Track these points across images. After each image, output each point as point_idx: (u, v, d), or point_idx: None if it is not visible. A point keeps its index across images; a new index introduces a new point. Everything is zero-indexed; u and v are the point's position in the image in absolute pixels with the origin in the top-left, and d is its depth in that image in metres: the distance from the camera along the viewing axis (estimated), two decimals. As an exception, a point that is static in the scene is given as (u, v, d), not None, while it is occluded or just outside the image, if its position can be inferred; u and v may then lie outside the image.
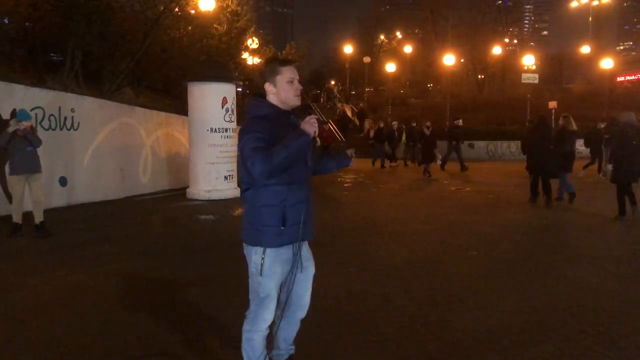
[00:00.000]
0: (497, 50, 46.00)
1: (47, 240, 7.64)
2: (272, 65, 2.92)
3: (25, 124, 7.64)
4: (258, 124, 2.79)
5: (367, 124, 32.57)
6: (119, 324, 4.34)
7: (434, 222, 9.18)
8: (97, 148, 11.74)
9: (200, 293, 5.12)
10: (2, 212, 9.34)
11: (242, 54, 23.10)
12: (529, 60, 34.99)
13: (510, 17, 59.05)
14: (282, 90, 2.87)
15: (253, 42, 24.31)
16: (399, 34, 60.10)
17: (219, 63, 13.46)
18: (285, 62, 2.93)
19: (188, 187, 12.52)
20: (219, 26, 19.09)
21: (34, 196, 7.94)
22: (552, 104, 27.36)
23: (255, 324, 2.95)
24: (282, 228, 2.84)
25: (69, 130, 10.99)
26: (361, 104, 39.93)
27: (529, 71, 32.62)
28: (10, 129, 7.56)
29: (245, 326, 2.98)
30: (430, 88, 54.46)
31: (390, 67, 40.16)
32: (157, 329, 4.20)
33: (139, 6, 13.99)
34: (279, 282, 2.96)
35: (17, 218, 7.95)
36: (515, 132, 29.84)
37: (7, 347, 3.91)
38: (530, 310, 4.60)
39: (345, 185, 15.63)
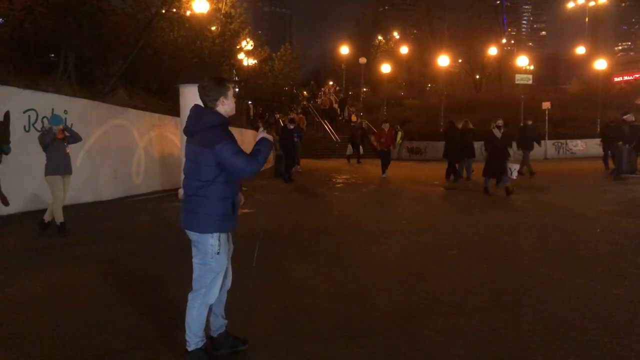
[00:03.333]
0: (493, 50, 46.12)
1: (38, 240, 7.79)
2: (224, 83, 3.57)
3: (57, 128, 7.92)
4: (227, 131, 3.51)
5: (353, 116, 35.28)
6: (104, 321, 4.50)
7: (419, 222, 9.34)
8: (90, 149, 11.88)
9: (186, 291, 5.27)
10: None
11: (237, 56, 23.21)
12: (522, 61, 35.16)
13: (507, 17, 59.22)
14: (231, 103, 3.57)
15: (247, 44, 24.46)
16: (396, 35, 60.35)
17: (210, 65, 13.60)
18: (231, 81, 3.61)
19: (180, 188, 12.66)
20: (212, 28, 19.22)
21: (63, 195, 8.20)
22: (546, 105, 27.54)
23: (207, 297, 3.56)
24: (233, 216, 3.54)
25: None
26: (342, 94, 42.87)
27: (523, 72, 32.78)
28: (55, 130, 7.84)
29: (196, 302, 3.55)
30: (429, 88, 54.63)
31: (386, 68, 40.31)
32: (142, 326, 4.37)
33: (131, 9, 14.12)
34: (229, 257, 3.69)
35: (60, 217, 8.10)
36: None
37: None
38: (500, 307, 4.77)
39: (337, 185, 15.78)
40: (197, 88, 3.59)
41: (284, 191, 14.35)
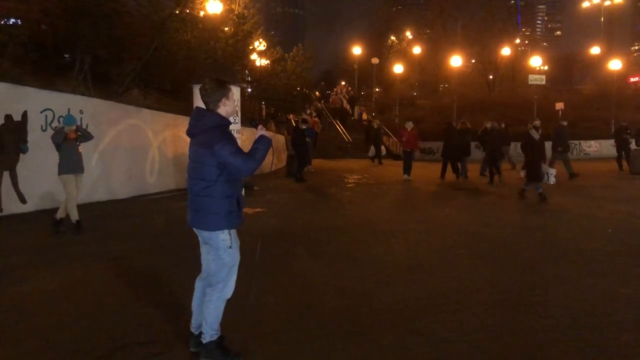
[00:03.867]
0: (506, 51, 45.88)
1: (55, 237, 7.96)
2: (225, 85, 3.68)
3: (70, 128, 8.10)
4: (226, 132, 3.55)
5: (364, 115, 36.11)
6: (118, 315, 4.63)
7: (429, 222, 9.40)
8: (105, 148, 12.07)
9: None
10: (14, 211, 9.71)
11: (249, 56, 23.37)
12: (536, 62, 34.96)
13: (522, 17, 58.86)
14: (232, 104, 3.69)
15: (260, 44, 24.61)
16: (408, 35, 60.24)
17: (223, 65, 13.76)
18: (232, 83, 3.70)
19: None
20: (225, 29, 19.39)
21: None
22: (559, 105, 27.37)
23: (224, 291, 3.70)
24: (239, 212, 3.66)
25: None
26: (352, 92, 43.24)
27: (536, 72, 32.61)
28: (66, 129, 8.03)
29: (213, 296, 3.67)
30: (441, 89, 54.48)
31: (398, 68, 40.33)
32: (154, 321, 4.49)
33: (146, 10, 14.33)
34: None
35: (75, 215, 8.26)
36: (522, 133, 29.85)
37: (18, 332, 4.23)
38: (506, 305, 4.84)
39: (349, 186, 15.86)
40: (199, 89, 3.70)
41: (295, 191, 14.46)
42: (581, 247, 7.26)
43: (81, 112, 11.37)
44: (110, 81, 15.12)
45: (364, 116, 40.05)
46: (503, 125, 17.50)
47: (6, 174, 9.68)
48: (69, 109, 10.96)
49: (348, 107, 40.34)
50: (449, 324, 4.39)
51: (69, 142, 8.09)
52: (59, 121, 10.87)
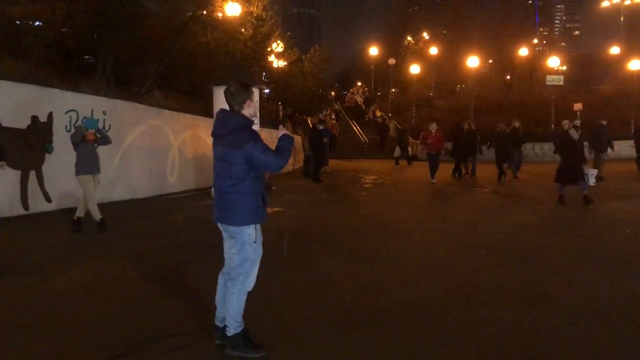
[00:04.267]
0: (524, 51, 45.56)
1: (79, 235, 8.20)
2: (249, 88, 3.90)
3: (90, 132, 8.35)
4: (253, 131, 3.77)
5: (377, 112, 36.50)
6: (144, 309, 4.82)
7: (447, 222, 9.49)
8: (127, 149, 12.33)
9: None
10: (39, 209, 9.99)
11: (267, 58, 23.59)
12: (554, 62, 34.72)
13: (540, 17, 58.38)
14: (254, 106, 3.93)
15: (278, 46, 24.82)
16: (425, 35, 60.10)
17: (243, 67, 13.98)
18: (256, 85, 3.98)
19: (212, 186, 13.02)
20: (244, 31, 19.62)
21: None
22: (577, 106, 27.17)
23: (245, 284, 3.88)
24: (264, 208, 3.86)
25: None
26: (367, 92, 43.79)
27: (554, 72, 32.40)
28: (85, 131, 8.28)
29: (235, 289, 3.85)
30: (459, 89, 54.29)
31: (415, 69, 40.31)
32: (179, 315, 4.67)
33: (167, 13, 14.59)
34: None
35: (97, 215, 8.45)
36: (539, 133, 29.70)
37: (51, 324, 4.43)
38: (522, 303, 4.94)
39: (366, 185, 15.98)
40: (223, 91, 3.88)
41: (312, 191, 14.61)
42: (602, 247, 7.31)
43: (104, 113, 11.64)
44: (132, 83, 15.43)
45: (377, 113, 40.36)
46: (517, 125, 17.38)
47: (32, 173, 9.97)
48: (92, 110, 11.24)
49: (363, 105, 40.84)
50: (466, 319, 4.51)
51: (88, 143, 8.30)
52: (83, 122, 11.15)
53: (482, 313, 4.67)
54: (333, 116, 33.92)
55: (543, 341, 4.07)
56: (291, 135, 3.97)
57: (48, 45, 13.12)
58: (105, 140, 8.72)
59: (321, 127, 17.70)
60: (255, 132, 3.85)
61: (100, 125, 11.52)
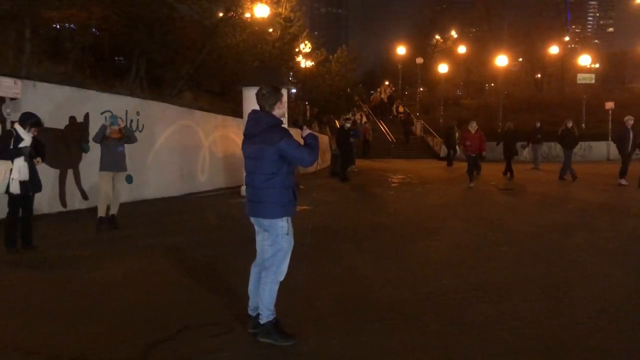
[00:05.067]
0: (554, 49, 44.84)
1: (116, 231, 8.52)
2: (280, 90, 4.19)
3: (114, 127, 8.60)
4: (285, 129, 3.99)
5: (400, 107, 37.01)
6: (179, 301, 5.05)
7: (473, 220, 9.55)
8: (159, 148, 12.69)
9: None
10: (76, 206, 10.38)
11: (295, 58, 23.81)
12: (585, 60, 34.14)
13: (572, 14, 57.36)
14: (283, 107, 4.17)
15: (306, 46, 25.04)
16: (454, 34, 59.65)
17: (271, 68, 14.23)
18: (287, 86, 4.27)
19: (243, 185, 13.27)
20: (272, 32, 19.88)
21: (116, 191, 8.88)
22: (609, 105, 26.76)
23: (277, 274, 4.06)
24: (295, 201, 4.09)
25: (134, 131, 11.92)
26: (391, 89, 43.85)
27: (585, 70, 31.87)
28: (107, 132, 8.52)
29: (268, 279, 4.03)
30: (488, 88, 53.77)
31: (443, 68, 40.08)
32: (213, 305, 4.88)
33: (198, 16, 14.92)
34: None
35: (102, 212, 8.74)
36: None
37: (91, 314, 4.69)
38: (543, 298, 5.02)
39: (393, 185, 16.06)
40: (255, 93, 4.12)
41: (340, 190, 14.77)
42: (625, 246, 7.31)
43: (137, 113, 12.00)
44: (164, 84, 15.81)
45: (400, 109, 40.47)
46: (570, 125, 17.42)
47: (70, 172, 10.37)
48: (126, 111, 11.61)
49: (387, 102, 41.44)
50: (490, 313, 4.61)
51: (111, 140, 8.54)
52: (107, 119, 11.50)
53: (505, 307, 4.76)
54: (365, 119, 34.00)
55: (566, 335, 4.15)
56: (315, 134, 4.17)
57: (84, 48, 13.55)
58: (130, 138, 8.90)
59: (348, 126, 17.84)
60: (286, 129, 4.05)
61: (134, 126, 11.93)
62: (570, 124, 16.50)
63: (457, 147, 23.28)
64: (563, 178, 15.93)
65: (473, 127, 14.65)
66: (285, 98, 4.18)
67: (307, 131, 4.15)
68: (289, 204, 4.02)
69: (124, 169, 8.85)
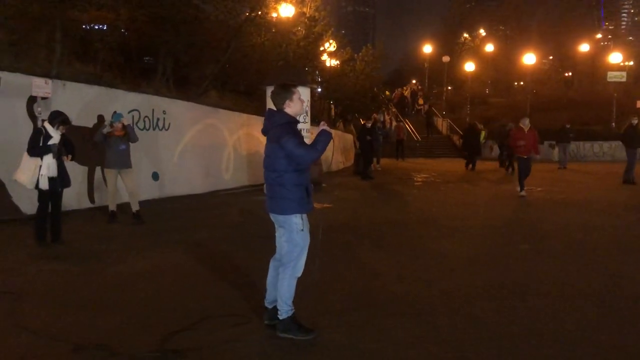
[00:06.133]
0: (585, 47, 44.02)
1: (141, 227, 8.76)
2: (289, 88, 4.19)
3: (116, 125, 8.82)
4: (292, 128, 4.09)
5: (420, 100, 37.69)
6: (200, 292, 5.22)
7: (495, 219, 9.52)
8: (185, 146, 12.93)
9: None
10: (104, 202, 10.66)
11: (320, 57, 23.88)
12: (616, 58, 33.44)
13: (604, 10, 56.18)
14: (296, 105, 4.18)
15: (330, 45, 25.08)
16: (482, 32, 59.04)
17: (295, 68, 14.37)
18: (296, 85, 4.32)
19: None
20: (297, 31, 20.00)
21: (128, 188, 9.15)
22: (640, 104, 26.17)
23: (295, 270, 4.17)
24: (308, 199, 4.15)
25: (160, 130, 12.22)
26: (415, 85, 47.59)
27: (616, 68, 31.23)
28: (105, 130, 8.79)
29: (286, 274, 4.13)
30: (516, 86, 53.08)
31: (470, 66, 39.71)
32: (232, 298, 5.04)
33: (224, 16, 15.11)
34: None
35: (112, 207, 9.15)
36: (599, 132, 28.81)
37: (115, 304, 4.90)
38: (562, 296, 5.03)
39: (416, 184, 16.05)
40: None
41: (362, 188, 14.83)
42: None
43: (164, 112, 12.26)
44: (190, 83, 16.06)
45: (420, 101, 40.40)
46: (568, 126, 17.66)
47: (98, 169, 10.66)
48: (153, 110, 11.88)
49: (409, 97, 41.59)
50: (503, 309, 4.66)
51: (114, 138, 8.78)
52: (144, 121, 11.79)
53: (520, 304, 4.81)
54: (394, 122, 33.90)
55: (579, 331, 4.18)
56: (330, 131, 4.21)
57: (112, 48, 13.87)
58: (131, 136, 8.98)
59: (369, 125, 17.80)
60: (292, 128, 4.11)
61: (161, 124, 12.20)
62: (635, 121, 14.96)
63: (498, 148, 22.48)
64: (633, 181, 14.58)
65: (526, 124, 12.60)
66: (299, 96, 4.21)
67: (322, 126, 4.21)
68: (301, 200, 4.09)
69: (129, 166, 9.07)
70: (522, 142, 12.16)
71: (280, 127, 4.07)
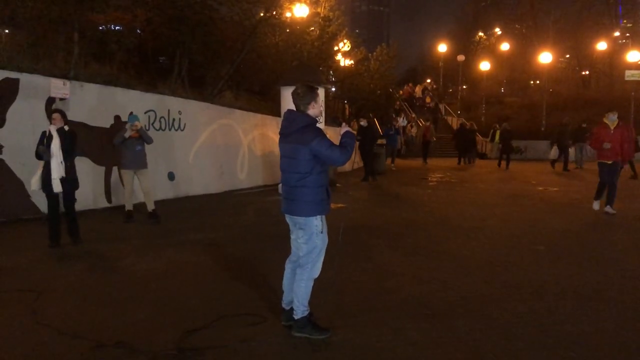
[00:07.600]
0: (602, 45, 43.44)
1: (157, 226, 8.85)
2: (315, 89, 4.22)
3: (132, 126, 8.94)
4: (318, 129, 4.08)
5: (427, 98, 40.28)
6: (217, 292, 5.26)
7: (510, 219, 9.47)
8: (200, 146, 13.03)
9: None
10: (121, 202, 10.77)
11: (334, 57, 23.90)
12: (634, 56, 32.98)
13: (623, 7, 55.45)
14: (319, 106, 4.20)
15: (345, 45, 25.09)
16: (497, 30, 58.55)
17: (309, 68, 14.38)
18: (322, 86, 4.33)
19: (280, 183, 13.47)
20: (311, 31, 20.03)
21: (144, 188, 9.26)
22: (660, 102, 25.79)
23: (313, 271, 4.21)
24: (328, 200, 4.17)
25: (176, 130, 12.32)
26: (428, 83, 47.93)
27: (634, 67, 30.80)
28: (127, 134, 8.90)
29: (304, 276, 4.17)
30: (532, 85, 52.57)
31: (485, 65, 39.45)
32: (248, 297, 5.07)
33: (238, 17, 15.19)
34: None
35: (128, 206, 9.28)
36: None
37: (133, 302, 4.96)
38: (577, 297, 5.00)
39: (431, 184, 15.99)
40: (291, 92, 4.21)
41: (376, 188, 14.83)
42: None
43: (179, 112, 12.36)
44: (205, 84, 16.17)
45: (428, 99, 40.25)
46: (584, 125, 18.81)
47: (114, 169, 10.78)
48: (168, 110, 12.00)
49: (418, 93, 41.87)
50: (519, 311, 4.64)
51: (130, 140, 8.93)
52: (160, 121, 11.90)
53: (535, 305, 4.78)
54: (430, 119, 33.89)
55: (594, 333, 4.16)
56: (352, 131, 4.24)
57: (129, 49, 14.01)
58: (145, 138, 9.11)
59: (364, 124, 16.36)
60: (320, 129, 4.14)
61: (177, 125, 12.30)
62: None
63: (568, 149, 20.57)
64: None
65: (613, 120, 9.86)
66: (320, 97, 4.25)
67: (345, 128, 4.21)
68: (322, 202, 4.11)
69: (145, 166, 9.22)
70: (607, 143, 9.65)
71: (307, 129, 4.04)
